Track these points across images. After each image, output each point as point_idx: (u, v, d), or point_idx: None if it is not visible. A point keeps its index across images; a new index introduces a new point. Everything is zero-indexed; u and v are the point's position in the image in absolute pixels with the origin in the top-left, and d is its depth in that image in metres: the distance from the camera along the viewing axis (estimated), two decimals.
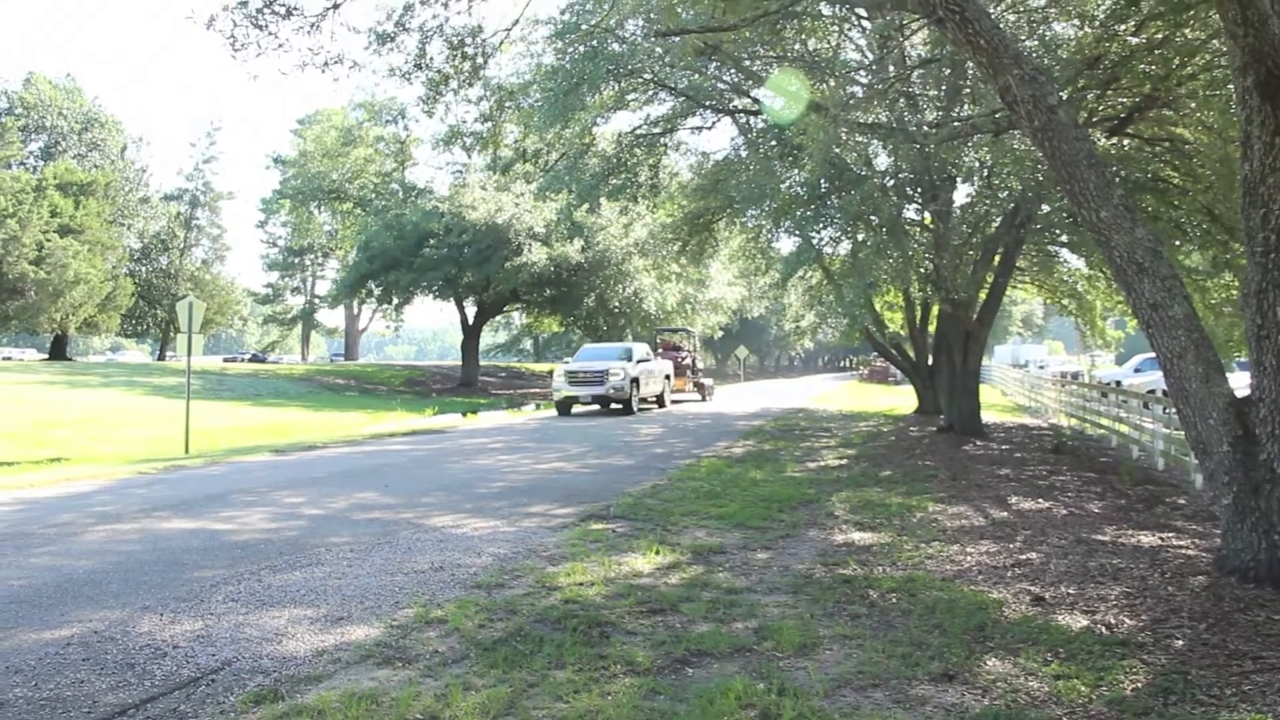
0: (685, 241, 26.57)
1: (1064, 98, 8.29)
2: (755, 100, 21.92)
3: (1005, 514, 10.66)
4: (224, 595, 7.02)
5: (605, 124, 25.26)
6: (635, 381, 29.68)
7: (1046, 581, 7.31)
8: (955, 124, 16.26)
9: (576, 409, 30.46)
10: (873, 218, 20.08)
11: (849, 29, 20.24)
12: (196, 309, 21.76)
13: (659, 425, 25.57)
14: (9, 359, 65.70)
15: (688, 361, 40.32)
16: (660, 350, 41.00)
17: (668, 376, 34.24)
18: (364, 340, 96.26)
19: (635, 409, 29.67)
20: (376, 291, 51.81)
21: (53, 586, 7.29)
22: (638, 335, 59.39)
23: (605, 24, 19.22)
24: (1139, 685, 5.05)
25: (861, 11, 17.81)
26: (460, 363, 56.03)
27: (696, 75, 21.21)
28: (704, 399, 39.70)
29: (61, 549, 8.82)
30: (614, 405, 29.53)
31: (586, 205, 29.37)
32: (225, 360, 77.96)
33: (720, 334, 70.51)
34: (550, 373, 54.60)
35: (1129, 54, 13.13)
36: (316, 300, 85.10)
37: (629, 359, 30.42)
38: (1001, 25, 9.39)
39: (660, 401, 33.23)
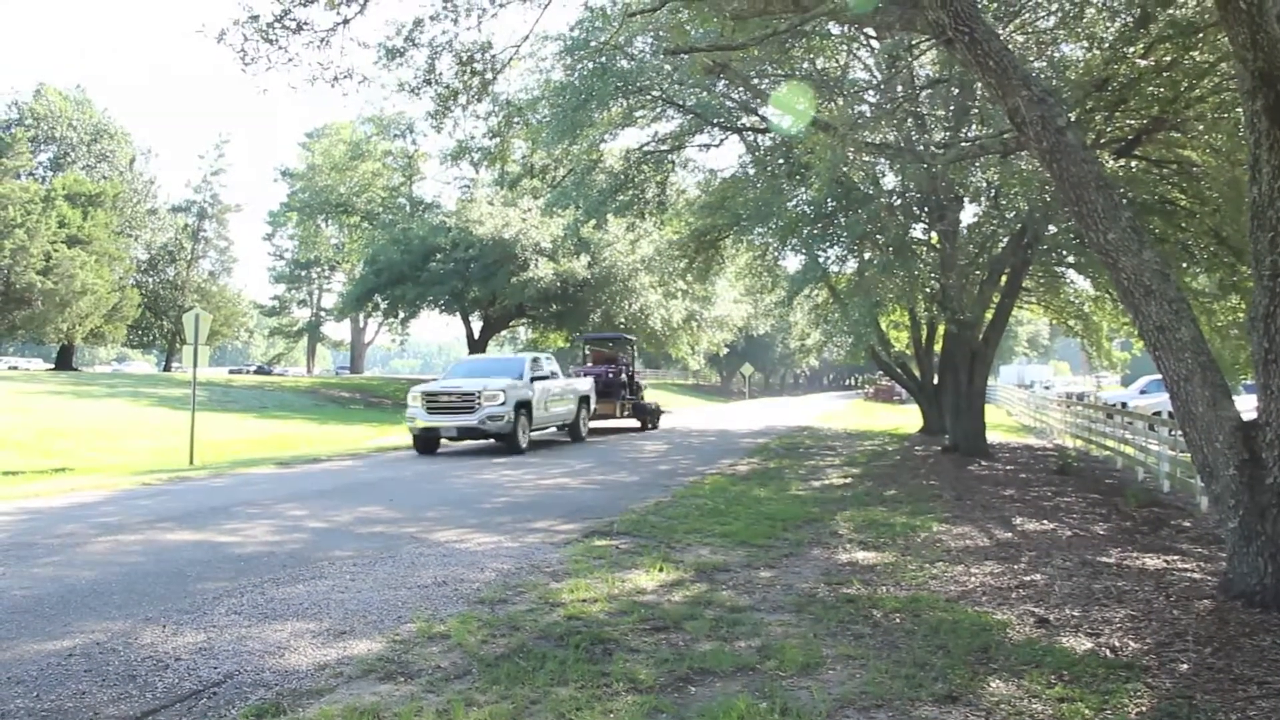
0: (692, 258, 26.61)
1: (1072, 119, 8.31)
2: (763, 118, 21.99)
3: (1010, 535, 10.63)
4: (226, 608, 7.02)
5: (613, 140, 25.41)
6: (524, 407, 21.59)
7: (1051, 603, 7.28)
8: (963, 144, 16.29)
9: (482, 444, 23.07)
10: (879, 237, 20.13)
11: (857, 49, 20.32)
12: (203, 320, 21.81)
13: (663, 442, 25.58)
14: (15, 369, 65.79)
15: (622, 378, 30.55)
16: (589, 362, 32.71)
17: (585, 398, 25.86)
18: (369, 353, 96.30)
19: (523, 445, 21.45)
20: (383, 305, 51.86)
21: (56, 597, 7.29)
22: (642, 350, 59.06)
23: (614, 41, 19.30)
24: (1143, 709, 5.02)
25: (870, 31, 17.87)
26: None
27: (705, 93, 21.30)
28: (646, 427, 31.28)
29: (65, 559, 8.82)
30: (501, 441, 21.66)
31: (593, 221, 29.35)
32: (231, 372, 77.98)
33: (725, 351, 70.49)
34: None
35: (1137, 76, 13.15)
36: (322, 313, 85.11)
37: (519, 376, 22.24)
38: (1010, 46, 9.41)
39: (573, 432, 25.24)
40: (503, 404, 20.81)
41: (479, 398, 20.70)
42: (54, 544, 9.58)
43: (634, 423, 31.41)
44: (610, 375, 30.18)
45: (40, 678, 5.42)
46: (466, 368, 24.61)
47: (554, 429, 24.97)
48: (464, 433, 21.16)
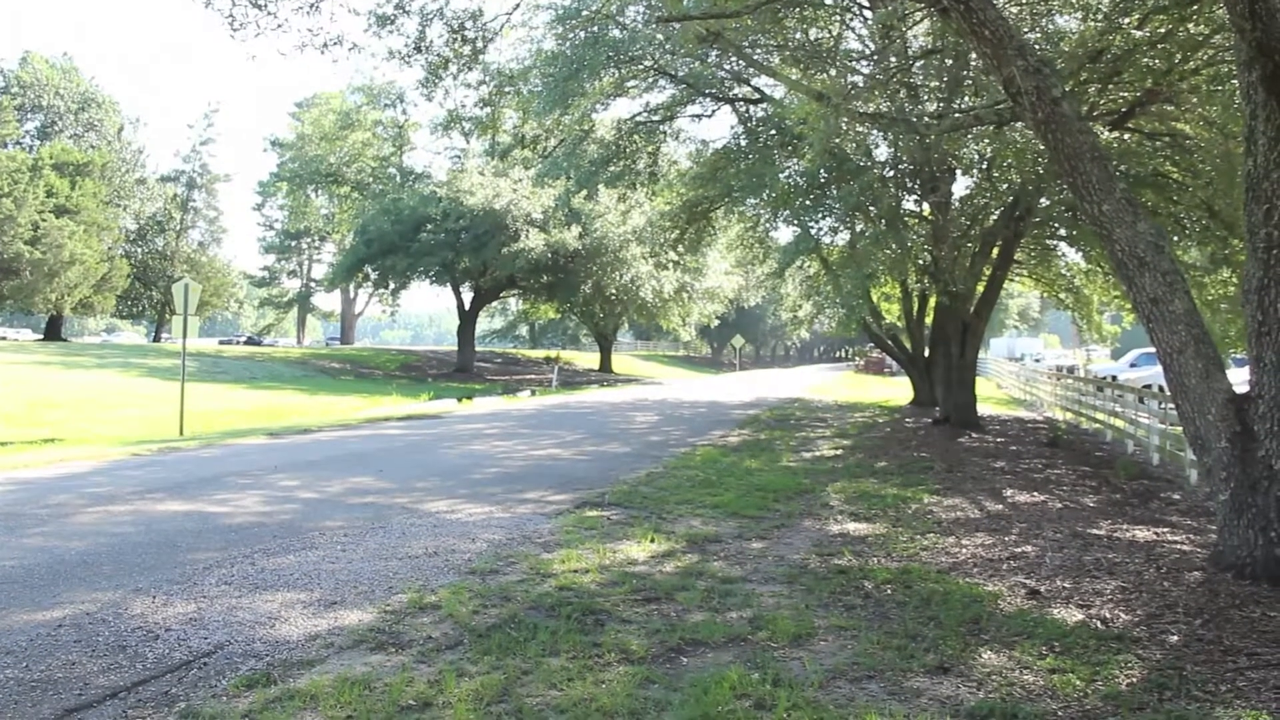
0: (683, 230, 26.48)
1: (1067, 90, 8.26)
2: (756, 89, 21.84)
3: (1000, 507, 10.66)
4: (217, 578, 7.00)
5: (605, 111, 25.20)
6: None
7: (1042, 575, 7.30)
8: (957, 115, 16.20)
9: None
10: (872, 208, 20.07)
11: (851, 19, 20.14)
12: (192, 291, 21.71)
13: (655, 414, 25.59)
14: (4, 339, 65.43)
15: None
16: None
17: None
18: (360, 324, 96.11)
19: None
20: (373, 276, 51.73)
21: (45, 567, 7.26)
22: (632, 322, 58.96)
23: (606, 10, 19.13)
24: (1134, 680, 5.04)
25: (864, 0, 17.74)
26: (456, 348, 55.97)
27: (697, 63, 21.12)
28: None
29: (54, 530, 8.79)
30: None
31: (584, 192, 29.20)
32: (220, 343, 77.73)
33: (716, 323, 70.55)
34: (546, 360, 54.53)
35: (1132, 48, 13.07)
36: (313, 284, 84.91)
37: None
38: (1005, 17, 9.35)
39: None
40: None
41: None
42: (43, 514, 9.54)
43: None
44: None
45: (30, 648, 5.40)
46: None
47: None
48: None
